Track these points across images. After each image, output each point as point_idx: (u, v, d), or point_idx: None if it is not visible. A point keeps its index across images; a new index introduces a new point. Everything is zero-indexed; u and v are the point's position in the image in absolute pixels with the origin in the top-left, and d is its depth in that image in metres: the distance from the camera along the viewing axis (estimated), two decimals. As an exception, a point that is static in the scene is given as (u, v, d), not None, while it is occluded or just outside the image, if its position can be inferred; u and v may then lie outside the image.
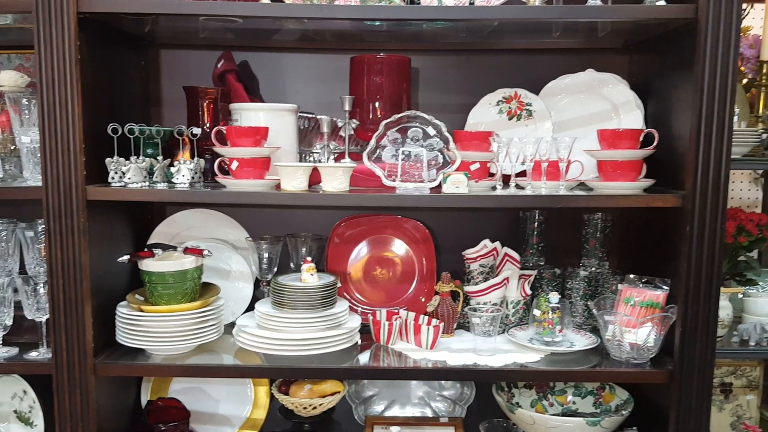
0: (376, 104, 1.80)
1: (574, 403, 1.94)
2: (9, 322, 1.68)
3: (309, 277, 1.74)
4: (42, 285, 1.66)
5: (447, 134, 1.67)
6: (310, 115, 1.89)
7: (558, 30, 1.76)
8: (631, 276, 1.71)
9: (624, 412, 1.75)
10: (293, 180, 1.61)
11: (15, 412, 1.96)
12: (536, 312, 1.75)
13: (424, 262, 1.94)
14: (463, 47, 1.94)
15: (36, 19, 1.47)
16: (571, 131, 1.83)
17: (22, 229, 1.73)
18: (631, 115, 1.81)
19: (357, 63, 1.80)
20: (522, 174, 1.67)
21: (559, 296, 1.76)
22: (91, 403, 1.62)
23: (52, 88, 1.50)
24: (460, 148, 1.67)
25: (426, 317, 1.79)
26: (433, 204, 1.60)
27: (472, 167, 1.68)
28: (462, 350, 1.73)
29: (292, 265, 1.94)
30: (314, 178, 1.65)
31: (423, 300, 1.92)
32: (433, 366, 1.65)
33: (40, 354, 1.67)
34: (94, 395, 1.62)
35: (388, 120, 1.67)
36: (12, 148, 1.77)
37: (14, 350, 1.69)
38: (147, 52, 1.93)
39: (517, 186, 1.67)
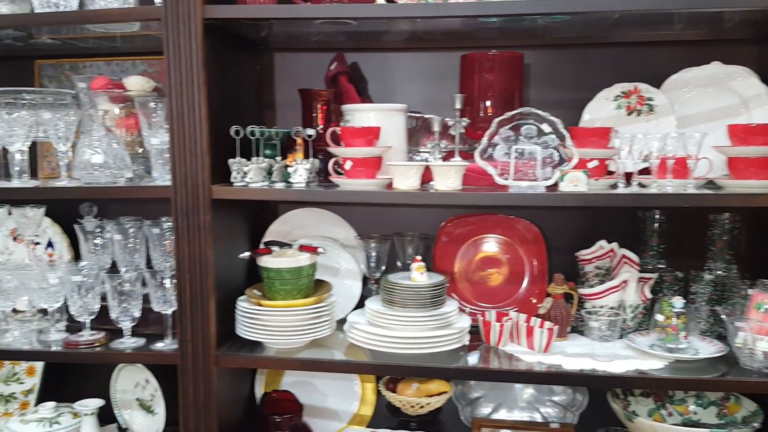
0: (487, 102, 1.77)
1: (695, 413, 1.83)
2: (137, 314, 1.78)
3: (419, 275, 1.74)
4: (168, 279, 1.75)
5: (563, 131, 1.62)
6: (417, 115, 1.90)
7: (681, 21, 1.67)
8: (765, 281, 1.59)
9: (755, 424, 1.64)
10: (406, 179, 1.61)
11: (138, 399, 2.08)
12: (659, 317, 1.67)
13: (535, 263, 1.89)
14: (577, 41, 1.88)
15: (165, 26, 1.56)
16: (695, 126, 1.73)
17: (148, 226, 1.84)
18: (763, 109, 1.69)
19: (468, 60, 1.78)
20: (642, 171, 1.60)
21: (683, 301, 1.67)
22: (213, 393, 1.69)
23: (180, 92, 1.58)
24: (576, 145, 1.62)
25: (538, 319, 1.75)
26: (550, 203, 1.56)
27: (590, 165, 1.62)
28: (578, 355, 1.67)
29: (399, 263, 1.95)
30: (425, 177, 1.65)
31: (534, 301, 1.87)
32: (547, 370, 1.61)
33: (165, 345, 1.76)
34: (216, 386, 1.69)
35: (500, 117, 1.64)
36: (139, 150, 1.89)
37: (141, 341, 1.79)
38: (262, 56, 1.99)
39: (640, 184, 1.59)
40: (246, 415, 1.95)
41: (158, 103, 1.70)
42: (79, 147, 1.72)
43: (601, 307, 1.76)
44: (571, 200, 1.53)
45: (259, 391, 2.02)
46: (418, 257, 1.77)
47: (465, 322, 1.76)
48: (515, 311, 1.82)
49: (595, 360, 1.63)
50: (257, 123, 1.78)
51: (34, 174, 2.03)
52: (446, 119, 1.79)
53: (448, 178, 1.58)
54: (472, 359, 1.68)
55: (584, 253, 1.82)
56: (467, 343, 1.76)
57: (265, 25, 1.72)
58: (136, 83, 1.82)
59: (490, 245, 1.94)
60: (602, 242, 1.82)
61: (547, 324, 1.72)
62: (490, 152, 1.68)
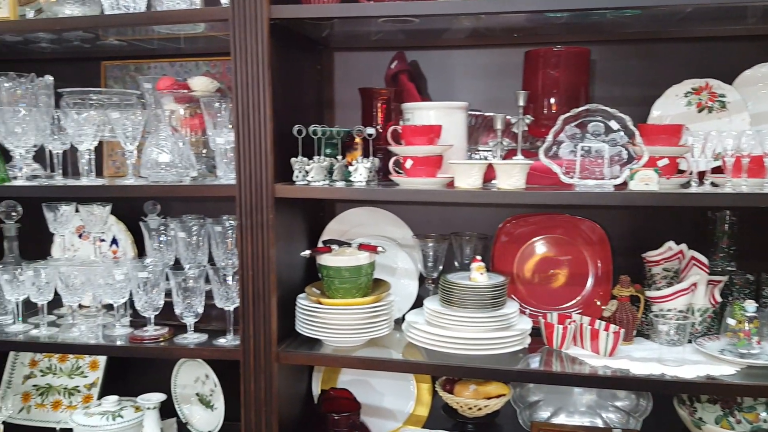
0: (551, 99, 1.74)
1: (765, 421, 1.76)
2: (200, 310, 1.81)
3: (479, 276, 1.72)
4: (230, 276, 1.77)
5: (633, 128, 1.57)
6: (477, 113, 1.88)
7: (755, 15, 1.61)
8: None
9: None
10: (468, 177, 1.59)
11: (197, 395, 2.12)
12: (730, 321, 1.61)
13: (599, 264, 1.85)
14: (644, 36, 1.83)
15: (232, 27, 1.58)
16: (769, 124, 1.67)
17: (211, 224, 1.86)
18: (844, 105, 1.61)
19: (532, 57, 1.75)
20: (713, 171, 1.55)
21: (756, 305, 1.60)
22: (274, 389, 1.70)
23: (246, 92, 1.60)
24: (646, 142, 1.57)
25: (603, 322, 1.70)
26: (619, 202, 1.52)
27: (660, 163, 1.57)
28: (645, 359, 1.62)
29: (456, 263, 1.93)
30: (486, 176, 1.62)
31: (599, 304, 1.83)
32: (613, 374, 1.57)
33: (227, 341, 1.78)
34: (277, 382, 1.70)
35: (566, 114, 1.61)
36: (203, 150, 1.92)
37: (204, 336, 1.82)
38: (322, 56, 2.00)
39: (713, 183, 1.54)
40: (303, 412, 1.96)
41: (223, 103, 1.73)
42: (146, 146, 1.76)
43: (669, 310, 1.70)
44: (641, 200, 1.49)
45: (316, 388, 2.03)
46: (478, 257, 1.75)
47: (526, 324, 1.73)
48: (578, 314, 1.78)
49: (664, 365, 1.58)
50: (316, 122, 1.79)
51: (99, 173, 2.08)
52: (508, 117, 1.76)
53: (511, 177, 1.56)
54: (534, 362, 1.65)
55: (652, 255, 1.77)
56: (527, 345, 1.73)
57: (326, 24, 1.73)
58: (200, 84, 1.85)
59: (552, 246, 1.90)
60: (670, 243, 1.77)
61: (613, 327, 1.67)
62: (555, 150, 1.65)
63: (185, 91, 1.85)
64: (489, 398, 1.88)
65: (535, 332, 1.75)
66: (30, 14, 1.76)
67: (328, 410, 1.86)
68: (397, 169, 1.70)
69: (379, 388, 2.05)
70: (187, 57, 2.07)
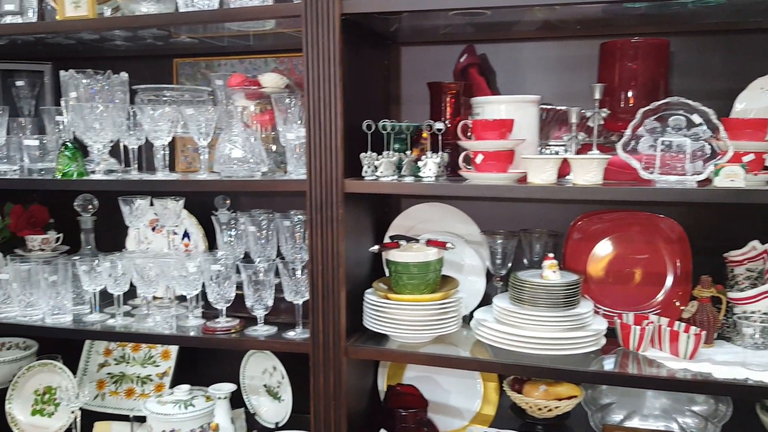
0: (629, 92, 1.68)
1: None
2: (270, 303, 1.84)
3: (551, 274, 1.68)
4: (299, 270, 1.79)
5: (716, 122, 1.50)
6: (548, 106, 1.83)
7: None
8: None
9: None
10: (542, 173, 1.55)
11: (265, 386, 2.15)
12: (823, 325, 1.52)
13: (678, 264, 1.78)
14: (726, 27, 1.74)
15: (304, 22, 1.58)
16: None
17: (280, 219, 1.88)
18: None
19: (608, 49, 1.70)
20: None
21: None
22: (343, 383, 1.71)
23: (317, 88, 1.61)
24: (730, 137, 1.49)
25: (682, 324, 1.64)
26: (702, 199, 1.45)
27: (745, 158, 1.49)
28: (728, 363, 1.55)
29: (525, 261, 1.89)
30: (559, 171, 1.58)
31: (678, 304, 1.76)
32: (693, 378, 1.50)
33: (296, 334, 1.80)
34: (346, 376, 1.71)
35: (646, 108, 1.55)
36: (273, 146, 1.94)
37: (274, 329, 1.84)
38: (389, 51, 1.99)
39: (806, 180, 1.46)
40: (369, 406, 1.97)
41: (293, 99, 1.74)
42: (219, 142, 1.79)
43: (753, 312, 1.62)
44: (726, 196, 1.42)
45: (381, 383, 2.03)
46: (551, 255, 1.71)
47: (601, 324, 1.69)
48: (656, 314, 1.72)
49: (748, 369, 1.51)
50: (382, 117, 1.78)
51: (171, 168, 2.14)
52: (583, 110, 1.71)
53: (588, 172, 1.51)
54: (609, 363, 1.60)
55: (735, 254, 1.69)
56: (601, 346, 1.68)
57: (395, 18, 1.71)
58: (270, 80, 1.86)
59: (628, 244, 1.84)
60: (755, 243, 1.68)
61: (693, 329, 1.61)
62: (633, 145, 1.59)
63: (256, 87, 1.87)
64: (560, 399, 1.84)
65: (610, 333, 1.70)
66: (107, 12, 1.82)
67: (395, 406, 1.85)
68: (466, 164, 1.68)
69: (444, 385, 2.03)
70: (256, 54, 2.09)
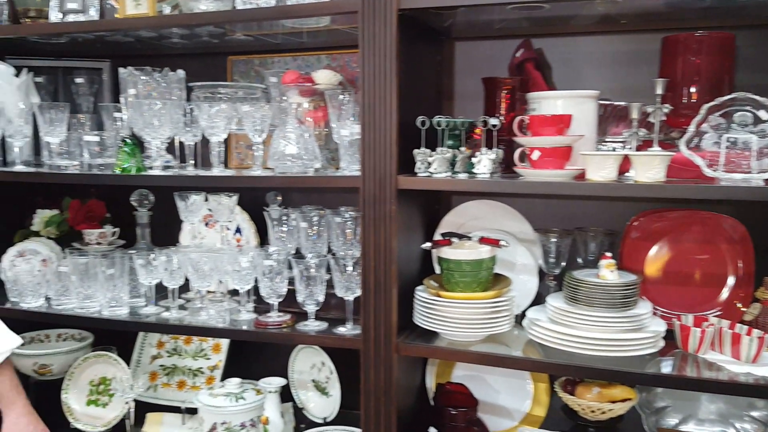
0: (692, 88, 1.63)
1: None
2: (321, 298, 1.84)
3: (608, 273, 1.64)
4: (350, 266, 1.79)
5: (787, 118, 1.45)
6: (606, 102, 1.79)
7: None
8: None
9: None
10: (602, 169, 1.52)
11: (313, 381, 2.17)
12: None
13: (740, 265, 1.72)
14: (796, 19, 1.68)
15: (361, 18, 1.58)
16: None
17: (331, 215, 1.89)
18: None
19: (670, 43, 1.65)
20: None
21: None
22: (394, 379, 1.71)
23: (372, 84, 1.60)
24: (801, 134, 1.44)
25: (744, 326, 1.59)
26: (770, 198, 1.40)
27: (818, 156, 1.44)
28: (793, 367, 1.50)
29: (579, 260, 1.86)
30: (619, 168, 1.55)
31: (740, 306, 1.70)
32: (756, 382, 1.45)
33: (347, 330, 1.80)
34: (397, 372, 1.71)
35: (710, 104, 1.50)
36: (324, 143, 1.95)
37: (324, 324, 1.85)
38: (443, 46, 1.98)
39: None
40: (418, 404, 1.96)
41: (347, 95, 1.74)
42: (274, 138, 1.80)
43: (822, 316, 1.56)
44: (798, 195, 1.37)
45: (430, 381, 2.02)
46: (608, 254, 1.67)
47: (659, 326, 1.64)
48: (716, 316, 1.67)
49: (816, 375, 1.45)
50: (434, 113, 1.76)
51: (224, 164, 2.17)
52: (645, 106, 1.67)
53: (651, 169, 1.47)
54: (667, 366, 1.56)
55: (803, 256, 1.63)
56: (660, 348, 1.64)
57: (450, 13, 1.70)
58: (324, 77, 1.87)
59: (688, 244, 1.78)
60: (824, 244, 1.62)
61: (756, 332, 1.55)
62: (697, 141, 1.55)
63: (309, 84, 1.88)
64: (613, 402, 1.80)
65: (668, 335, 1.65)
66: (166, 10, 1.85)
67: (444, 404, 1.84)
68: (521, 161, 1.66)
69: (493, 384, 2.01)
70: (309, 51, 2.11)
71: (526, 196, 1.95)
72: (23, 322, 2.14)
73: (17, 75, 2.11)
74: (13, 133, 2.01)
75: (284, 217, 1.97)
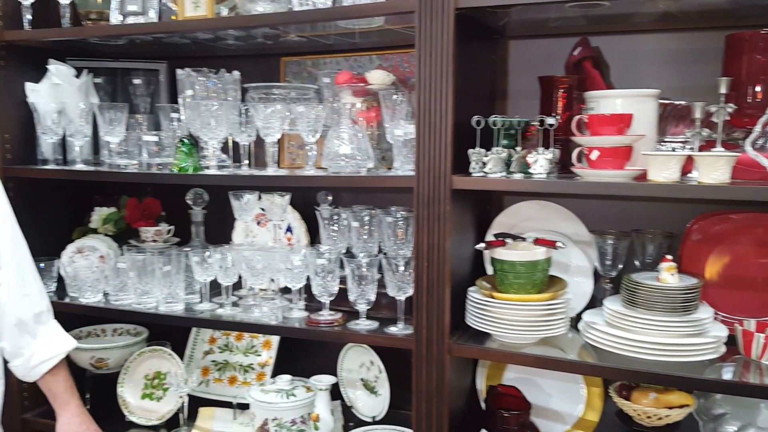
0: (757, 87, 1.58)
1: None
2: (373, 297, 1.85)
3: (669, 276, 1.61)
4: (402, 266, 1.79)
5: None
6: (665, 101, 1.75)
7: None
8: None
9: None
10: (665, 170, 1.49)
11: (362, 380, 2.17)
12: None
13: (808, 269, 1.66)
14: None
15: (418, 18, 1.58)
16: None
17: (382, 215, 1.89)
18: None
19: (735, 41, 1.61)
20: None
21: None
22: (446, 380, 1.70)
23: (428, 84, 1.60)
24: None
25: (813, 333, 1.53)
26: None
27: None
28: None
29: (636, 262, 1.82)
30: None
31: (807, 313, 1.64)
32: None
33: (398, 329, 1.80)
34: (449, 373, 1.70)
35: (779, 103, 1.46)
36: (377, 142, 1.96)
37: (375, 324, 1.85)
38: (497, 45, 1.97)
39: None
40: (468, 406, 1.95)
41: (401, 95, 1.74)
42: (328, 138, 1.82)
43: None
44: None
45: (480, 383, 2.01)
46: (669, 257, 1.63)
47: (721, 331, 1.60)
48: (782, 322, 1.62)
49: None
50: (487, 113, 1.75)
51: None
52: (708, 105, 1.62)
53: (715, 170, 1.43)
54: (727, 372, 1.52)
55: None
56: (721, 354, 1.59)
57: (505, 12, 1.69)
58: (377, 77, 1.88)
59: (752, 247, 1.73)
60: None
61: (826, 339, 1.50)
62: (762, 142, 1.50)
63: (363, 84, 1.89)
64: (670, 408, 1.76)
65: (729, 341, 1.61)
66: (224, 12, 1.88)
67: (496, 407, 1.82)
68: (579, 161, 1.63)
69: (545, 388, 1.98)
70: (361, 52, 2.11)
71: (579, 196, 1.92)
72: (81, 317, 2.21)
73: (77, 76, 2.18)
74: (74, 132, 2.07)
75: (335, 217, 1.98)
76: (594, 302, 1.86)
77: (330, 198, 2.11)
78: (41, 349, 1.67)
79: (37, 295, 1.68)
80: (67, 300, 2.11)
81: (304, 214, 2.17)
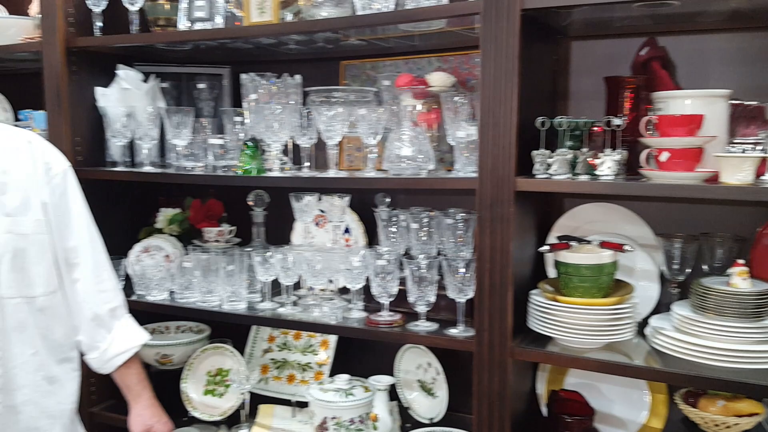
0: (836, 85, 1.53)
1: None
2: (432, 299, 1.85)
3: (740, 281, 1.56)
4: (462, 268, 1.79)
5: None
6: (735, 101, 1.70)
7: None
8: None
9: None
10: (738, 172, 1.45)
11: (419, 381, 2.18)
12: None
13: None
14: None
15: (483, 20, 1.58)
16: None
17: (442, 216, 1.90)
18: None
19: (814, 38, 1.55)
20: None
21: None
22: (508, 384, 1.69)
23: (493, 85, 1.60)
24: None
25: None
26: None
27: None
28: None
29: (705, 267, 1.78)
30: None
31: None
32: None
33: (458, 332, 1.80)
34: (511, 377, 1.69)
35: None
36: (437, 144, 1.96)
37: (435, 325, 1.85)
38: (559, 45, 1.95)
39: None
40: (529, 410, 1.93)
41: (463, 97, 1.74)
42: (390, 140, 1.83)
43: None
44: None
45: (540, 388, 1.99)
46: (741, 261, 1.59)
47: (797, 337, 1.55)
48: None
49: None
50: (548, 113, 1.74)
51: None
52: (784, 106, 1.58)
53: (794, 172, 1.39)
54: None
55: None
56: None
57: (568, 12, 1.67)
58: (438, 79, 1.89)
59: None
60: None
61: None
62: None
63: (423, 86, 1.90)
64: (739, 416, 1.71)
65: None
66: (288, 17, 1.91)
67: (559, 412, 1.80)
68: (648, 162, 1.60)
69: (607, 393, 1.95)
70: (419, 54, 2.12)
71: (642, 198, 1.88)
72: (146, 314, 2.27)
73: (145, 81, 2.26)
74: (142, 135, 2.14)
75: (393, 218, 1.99)
76: (659, 307, 1.83)
77: (388, 200, 2.12)
78: (116, 343, 1.73)
79: (113, 291, 1.75)
80: (134, 297, 2.18)
81: (361, 215, 2.19)
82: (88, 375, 1.84)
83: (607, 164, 1.60)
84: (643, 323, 1.76)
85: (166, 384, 2.28)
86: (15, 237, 1.56)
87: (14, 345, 1.57)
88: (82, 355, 1.75)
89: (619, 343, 1.71)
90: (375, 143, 1.88)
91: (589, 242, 1.73)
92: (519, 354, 1.69)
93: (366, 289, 1.96)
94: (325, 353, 2.33)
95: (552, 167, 1.63)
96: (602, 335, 1.65)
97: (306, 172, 1.98)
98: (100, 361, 1.74)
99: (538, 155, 1.65)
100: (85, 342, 1.72)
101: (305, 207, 2.06)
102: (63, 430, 1.69)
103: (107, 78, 2.24)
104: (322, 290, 2.09)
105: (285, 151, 2.05)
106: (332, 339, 2.32)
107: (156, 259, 2.24)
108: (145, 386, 1.81)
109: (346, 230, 2.23)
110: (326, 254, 1.98)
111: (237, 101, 2.34)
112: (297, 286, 2.11)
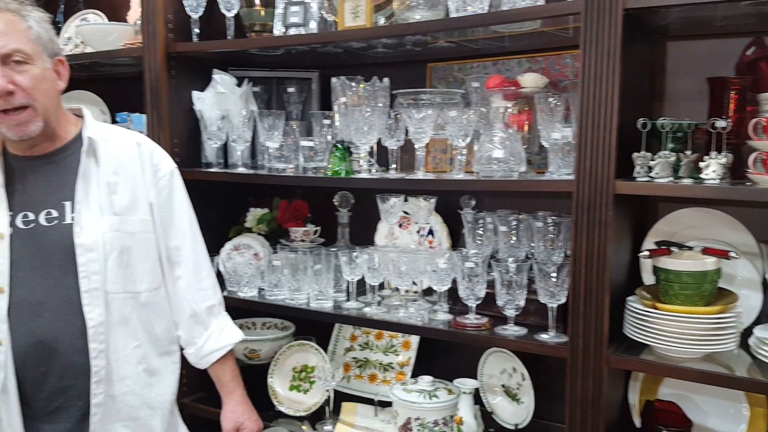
0: None
1: None
2: (522, 303, 1.82)
3: None
4: (554, 272, 1.76)
5: None
6: None
7: None
8: None
9: None
10: None
11: (503, 386, 2.15)
12: None
13: None
14: None
15: (584, 20, 1.55)
16: None
17: (532, 220, 1.87)
18: None
19: None
20: None
21: None
22: (603, 392, 1.65)
23: (592, 86, 1.57)
24: None
25: None
26: None
27: None
28: None
29: (814, 276, 1.69)
30: None
31: None
32: None
33: (550, 337, 1.77)
34: (606, 385, 1.65)
35: None
36: (526, 146, 1.94)
37: (524, 330, 1.83)
38: (657, 45, 1.89)
39: None
40: (621, 420, 1.88)
41: (558, 98, 1.72)
42: (481, 143, 1.82)
43: None
44: None
45: (632, 397, 1.93)
46: None
47: None
48: None
49: None
50: (646, 115, 1.69)
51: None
52: None
53: None
54: None
55: None
56: None
57: (669, 11, 1.62)
58: (530, 80, 1.86)
59: None
60: None
61: None
62: None
63: (515, 88, 1.88)
64: None
65: None
66: (381, 21, 1.94)
67: (654, 423, 1.75)
68: (755, 166, 1.53)
69: (702, 405, 1.87)
70: (508, 55, 2.10)
71: (743, 204, 1.80)
72: (237, 309, 2.35)
73: (239, 85, 2.33)
74: (236, 138, 2.22)
75: (480, 221, 1.98)
76: (760, 317, 1.74)
77: (473, 202, 2.11)
78: (212, 340, 1.79)
79: (211, 290, 1.81)
80: (225, 293, 2.25)
81: (445, 217, 2.19)
82: (180, 367, 1.91)
83: (713, 167, 1.54)
84: (744, 334, 1.69)
85: (253, 379, 2.35)
86: (122, 235, 1.64)
87: (118, 338, 1.65)
88: (181, 349, 1.82)
89: (718, 354, 1.65)
90: (464, 145, 1.87)
91: (690, 248, 1.67)
92: (615, 362, 1.65)
93: (450, 291, 1.96)
94: (406, 354, 2.34)
95: (654, 170, 1.59)
96: (703, 345, 1.59)
97: (393, 174, 2.00)
98: (196, 357, 1.81)
99: (639, 158, 1.60)
100: (183, 337, 1.79)
101: (391, 208, 2.08)
102: (162, 421, 1.76)
103: (203, 82, 2.33)
104: (407, 291, 2.10)
105: (371, 153, 2.08)
106: (414, 340, 2.33)
107: (245, 257, 2.31)
108: (238, 383, 1.86)
109: (430, 232, 2.23)
110: (412, 255, 1.99)
111: (324, 104, 2.39)
112: (381, 286, 2.14)
